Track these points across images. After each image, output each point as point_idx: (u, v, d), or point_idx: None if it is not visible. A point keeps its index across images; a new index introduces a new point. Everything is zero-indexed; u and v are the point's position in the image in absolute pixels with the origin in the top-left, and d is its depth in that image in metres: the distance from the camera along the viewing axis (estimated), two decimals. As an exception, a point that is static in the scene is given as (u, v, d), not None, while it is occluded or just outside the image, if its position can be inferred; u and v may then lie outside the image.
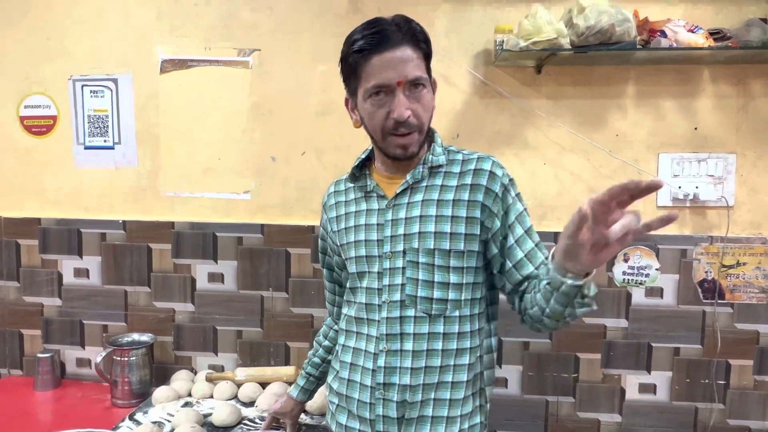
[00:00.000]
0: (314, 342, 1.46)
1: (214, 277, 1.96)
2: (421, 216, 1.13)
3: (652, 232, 1.82)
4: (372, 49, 1.06)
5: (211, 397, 1.80)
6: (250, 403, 1.76)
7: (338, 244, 1.24)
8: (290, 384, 1.79)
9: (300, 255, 1.92)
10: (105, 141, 1.99)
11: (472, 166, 1.14)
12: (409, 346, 1.12)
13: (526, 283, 1.12)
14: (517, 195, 1.16)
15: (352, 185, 1.24)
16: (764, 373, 1.80)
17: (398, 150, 1.11)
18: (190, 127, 1.95)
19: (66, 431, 1.51)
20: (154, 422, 1.62)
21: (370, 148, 1.23)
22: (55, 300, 2.03)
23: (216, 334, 1.97)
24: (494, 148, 1.84)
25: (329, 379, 1.27)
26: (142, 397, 1.81)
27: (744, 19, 1.67)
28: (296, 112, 1.91)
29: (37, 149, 2.02)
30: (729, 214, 1.79)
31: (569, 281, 0.92)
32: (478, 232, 1.12)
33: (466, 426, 1.14)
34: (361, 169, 1.24)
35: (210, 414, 1.65)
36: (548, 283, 0.97)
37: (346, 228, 1.21)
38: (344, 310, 1.25)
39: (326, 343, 1.42)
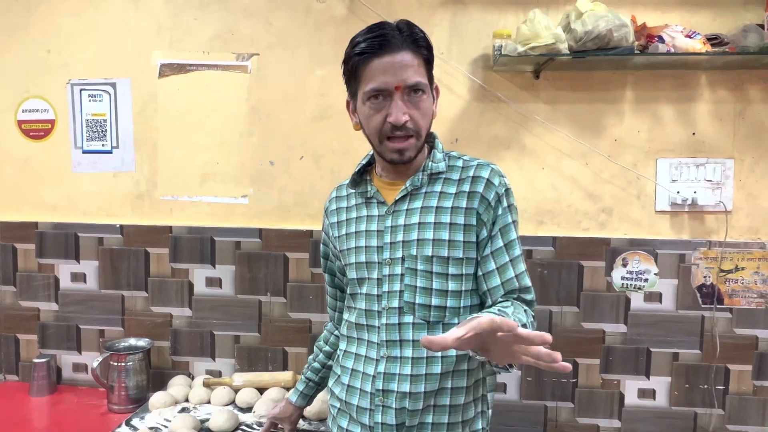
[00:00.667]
0: (314, 347, 1.45)
1: (211, 282, 1.96)
2: (419, 223, 1.13)
3: (651, 237, 1.81)
4: (373, 52, 1.06)
5: (209, 402, 1.79)
6: (248, 409, 1.75)
7: (339, 249, 1.23)
8: (288, 389, 1.78)
9: (298, 259, 1.92)
10: (103, 145, 1.99)
11: (471, 173, 1.14)
12: (408, 353, 1.12)
13: (489, 297, 1.13)
14: (510, 206, 1.15)
15: (353, 191, 1.24)
16: (763, 378, 1.80)
17: (394, 154, 1.11)
18: (189, 132, 1.95)
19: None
20: (151, 428, 1.61)
21: (371, 153, 1.23)
22: (52, 305, 2.02)
23: (213, 339, 1.96)
24: (492, 152, 1.84)
25: (330, 383, 1.26)
26: (138, 403, 1.80)
27: (741, 24, 1.68)
28: (294, 117, 1.91)
29: (34, 153, 2.02)
30: (727, 219, 1.79)
31: (477, 356, 0.94)
32: (475, 240, 1.12)
33: (467, 432, 1.13)
34: (362, 175, 1.24)
35: (207, 420, 1.63)
36: None
37: (346, 234, 1.21)
38: (345, 316, 1.25)
39: (327, 348, 1.41)
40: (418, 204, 1.14)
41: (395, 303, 1.13)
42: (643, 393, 1.83)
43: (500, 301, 1.09)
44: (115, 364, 1.80)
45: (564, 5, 1.76)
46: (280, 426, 1.50)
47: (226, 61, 1.92)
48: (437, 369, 1.11)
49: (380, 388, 1.12)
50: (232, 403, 1.79)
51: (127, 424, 1.64)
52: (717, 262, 1.79)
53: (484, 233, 1.12)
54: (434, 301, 1.11)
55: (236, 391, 1.81)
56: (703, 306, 1.80)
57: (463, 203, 1.12)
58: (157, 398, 1.75)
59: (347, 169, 1.25)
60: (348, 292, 1.24)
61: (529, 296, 1.14)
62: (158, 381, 1.93)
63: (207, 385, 1.82)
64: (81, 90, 1.98)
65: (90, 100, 1.98)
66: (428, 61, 1.12)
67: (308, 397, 1.46)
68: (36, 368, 1.91)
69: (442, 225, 1.12)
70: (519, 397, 1.87)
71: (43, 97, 2.00)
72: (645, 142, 1.81)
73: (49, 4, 1.96)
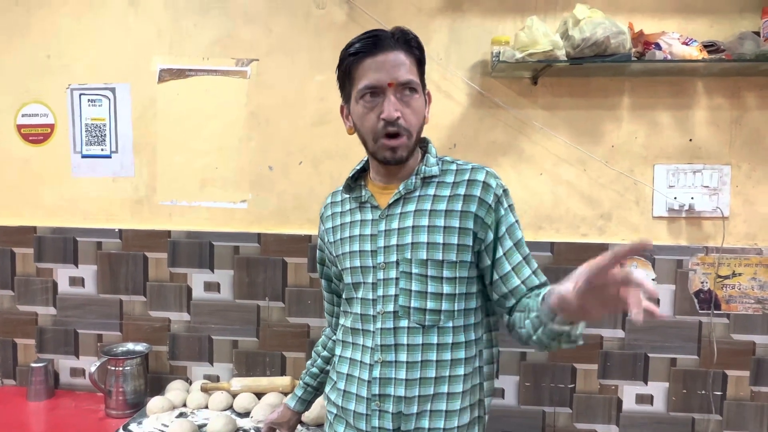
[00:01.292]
0: (313, 352, 1.45)
1: (210, 287, 1.95)
2: (413, 226, 1.13)
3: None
4: (366, 51, 1.09)
5: (206, 407, 1.78)
6: (246, 414, 1.75)
7: (334, 254, 1.24)
8: (286, 394, 1.78)
9: (296, 264, 1.92)
10: (102, 150, 1.99)
11: (466, 177, 1.15)
12: (403, 357, 1.12)
13: (512, 297, 1.12)
14: (510, 206, 1.16)
15: (347, 196, 1.24)
16: (761, 383, 1.80)
17: (387, 152, 1.11)
18: (188, 137, 1.96)
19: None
20: (149, 433, 1.60)
21: (366, 158, 1.24)
22: (50, 309, 2.02)
23: (211, 343, 1.96)
24: (490, 158, 1.85)
25: (327, 389, 1.26)
26: (136, 408, 1.80)
27: (737, 32, 1.69)
28: (293, 122, 1.92)
29: (34, 157, 2.02)
30: (724, 224, 1.80)
31: (556, 327, 0.93)
32: (471, 243, 1.12)
33: (463, 437, 1.13)
34: (356, 180, 1.24)
35: (205, 425, 1.63)
36: (537, 316, 0.98)
37: (341, 239, 1.22)
38: (341, 321, 1.25)
39: (325, 353, 1.41)
40: (411, 207, 1.15)
41: (390, 307, 1.13)
42: (640, 398, 1.84)
43: (528, 296, 1.09)
44: (113, 368, 1.80)
45: (562, 12, 1.77)
46: (277, 431, 1.50)
47: (225, 66, 1.93)
48: (432, 373, 1.11)
49: (376, 392, 1.12)
50: (230, 408, 1.79)
51: (125, 429, 1.64)
52: (714, 268, 1.79)
53: (490, 236, 1.12)
54: (429, 305, 1.11)
55: (234, 396, 1.81)
56: (700, 312, 1.80)
57: (459, 206, 1.12)
58: (154, 403, 1.74)
59: (346, 174, 1.25)
60: (344, 296, 1.24)
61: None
62: (156, 386, 1.92)
63: (205, 390, 1.82)
64: (80, 94, 1.98)
65: (89, 105, 1.98)
66: (420, 63, 1.13)
67: (306, 403, 1.46)
68: (33, 373, 1.90)
69: (436, 228, 1.12)
70: (517, 402, 1.87)
71: (43, 101, 2.00)
72: (642, 148, 1.82)
73: (49, 8, 1.97)
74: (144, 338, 1.96)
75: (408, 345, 1.12)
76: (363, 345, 1.16)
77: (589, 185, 1.84)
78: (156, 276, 1.97)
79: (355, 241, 1.18)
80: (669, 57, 1.63)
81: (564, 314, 0.91)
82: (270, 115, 1.93)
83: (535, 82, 1.81)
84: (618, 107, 1.82)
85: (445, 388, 1.12)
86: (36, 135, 2.01)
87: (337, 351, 1.24)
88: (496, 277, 1.13)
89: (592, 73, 1.77)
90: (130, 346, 1.91)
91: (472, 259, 1.13)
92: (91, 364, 1.82)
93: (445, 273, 1.12)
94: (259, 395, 1.81)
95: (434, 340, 1.12)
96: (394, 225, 1.15)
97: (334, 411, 1.22)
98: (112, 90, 1.97)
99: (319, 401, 1.62)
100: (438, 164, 1.18)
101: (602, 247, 1.81)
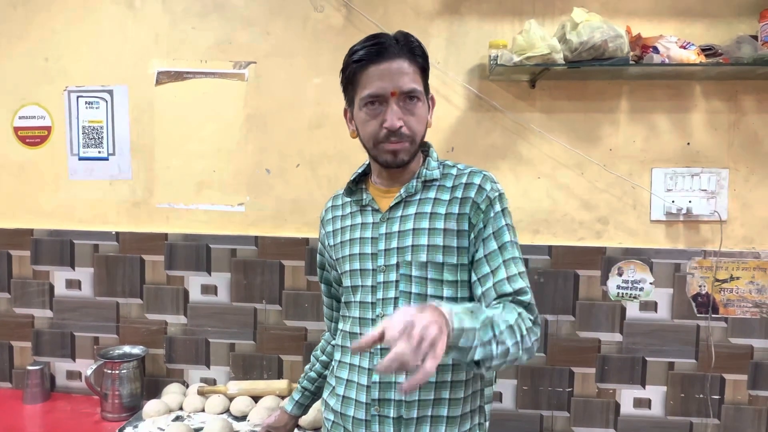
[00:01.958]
0: (311, 356, 1.44)
1: (207, 289, 1.95)
2: (414, 229, 1.13)
3: (646, 246, 1.81)
4: (370, 59, 1.08)
5: (203, 411, 1.78)
6: (242, 418, 1.74)
7: (334, 258, 1.23)
8: (283, 398, 1.77)
9: (294, 267, 1.91)
10: (99, 152, 1.99)
11: (464, 180, 1.15)
12: None
13: (484, 300, 1.10)
14: (503, 210, 1.14)
15: (348, 199, 1.24)
16: (759, 387, 1.80)
17: (388, 155, 1.11)
18: (185, 139, 1.95)
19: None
20: (145, 437, 1.60)
21: (368, 162, 1.24)
22: (46, 312, 2.01)
23: (208, 346, 1.95)
24: (488, 161, 1.85)
25: (325, 395, 1.25)
26: (132, 411, 1.79)
27: (734, 36, 1.69)
28: (291, 125, 1.92)
29: (31, 160, 2.01)
30: (722, 228, 1.80)
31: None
32: (467, 245, 1.12)
33: (464, 444, 1.12)
34: (358, 184, 1.24)
35: (201, 428, 1.63)
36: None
37: (341, 242, 1.21)
38: (340, 325, 1.25)
39: (323, 357, 1.40)
40: (412, 210, 1.15)
41: (390, 310, 1.12)
42: (638, 402, 1.83)
43: (493, 305, 1.07)
44: (109, 371, 1.79)
45: (560, 16, 1.78)
46: (274, 435, 1.50)
47: (223, 69, 1.93)
48: (432, 378, 1.10)
49: (375, 397, 1.12)
50: (227, 411, 1.78)
51: (121, 432, 1.64)
52: (712, 272, 1.79)
53: (472, 236, 1.12)
54: None
55: (231, 399, 1.80)
56: (698, 315, 1.80)
57: (456, 209, 1.13)
58: (151, 406, 1.74)
59: (344, 177, 1.25)
60: (343, 300, 1.24)
61: (525, 297, 1.09)
62: (152, 389, 1.91)
63: (201, 393, 1.82)
64: (78, 97, 1.98)
65: (87, 107, 1.98)
66: (424, 70, 1.13)
67: (304, 407, 1.45)
68: (29, 375, 1.90)
69: (436, 231, 1.12)
70: (515, 406, 1.86)
71: (40, 104, 2.00)
72: (640, 151, 1.82)
73: (47, 11, 1.96)
74: (141, 341, 1.95)
75: None
76: None
77: (586, 189, 1.84)
78: (153, 279, 1.96)
79: (356, 244, 1.18)
80: (667, 61, 1.63)
81: None
82: (268, 118, 1.92)
83: (533, 86, 1.82)
84: (616, 111, 1.82)
85: (446, 394, 1.11)
86: (33, 137, 2.01)
87: (337, 356, 1.23)
88: (474, 278, 1.12)
89: (589, 76, 1.77)
90: (127, 349, 1.91)
91: (470, 261, 1.13)
92: (87, 367, 1.81)
93: (446, 276, 1.11)
94: (256, 399, 1.81)
95: None
96: (395, 228, 1.14)
97: (332, 418, 1.21)
98: (110, 92, 1.97)
99: (317, 405, 1.61)
100: (439, 168, 1.18)
101: (600, 251, 1.81)
